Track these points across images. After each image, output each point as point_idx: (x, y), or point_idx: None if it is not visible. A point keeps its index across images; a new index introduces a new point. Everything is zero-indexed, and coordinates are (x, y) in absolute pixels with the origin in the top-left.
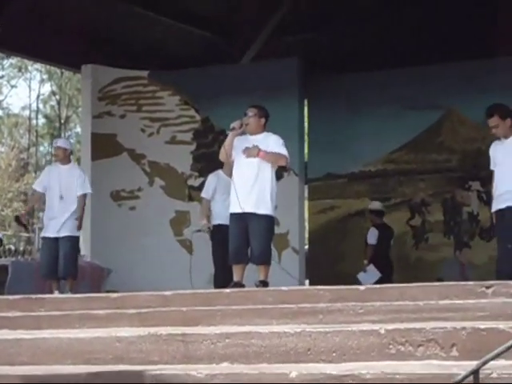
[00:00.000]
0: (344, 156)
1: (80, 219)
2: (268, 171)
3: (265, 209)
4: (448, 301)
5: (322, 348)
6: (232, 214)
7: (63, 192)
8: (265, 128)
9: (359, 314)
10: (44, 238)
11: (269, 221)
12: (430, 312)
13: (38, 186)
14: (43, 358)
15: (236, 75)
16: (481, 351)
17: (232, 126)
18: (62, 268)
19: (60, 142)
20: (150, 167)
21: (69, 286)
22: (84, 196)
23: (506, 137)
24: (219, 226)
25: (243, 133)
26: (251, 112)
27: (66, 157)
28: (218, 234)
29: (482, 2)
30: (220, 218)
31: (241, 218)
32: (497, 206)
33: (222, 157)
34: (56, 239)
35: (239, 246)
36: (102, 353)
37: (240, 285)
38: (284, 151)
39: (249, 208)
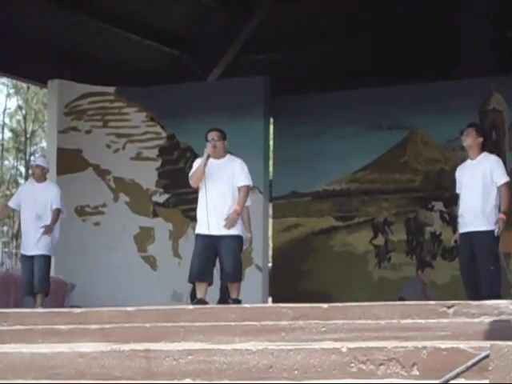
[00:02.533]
0: (308, 174)
1: (49, 227)
2: (237, 195)
3: (236, 229)
4: (410, 320)
5: (284, 366)
6: (200, 235)
7: (38, 210)
8: (226, 149)
9: (321, 332)
10: (22, 256)
11: (239, 241)
12: (392, 331)
13: (11, 203)
14: (5, 373)
15: (202, 93)
16: (441, 370)
17: (207, 152)
18: (38, 284)
19: (39, 161)
20: (115, 183)
21: (40, 301)
22: (57, 210)
23: (474, 157)
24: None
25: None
26: (216, 136)
27: (43, 175)
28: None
29: (445, 25)
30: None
31: (209, 239)
32: (466, 228)
33: (194, 183)
34: (32, 257)
35: (204, 265)
36: (64, 368)
37: (203, 302)
38: (248, 179)
39: (220, 230)
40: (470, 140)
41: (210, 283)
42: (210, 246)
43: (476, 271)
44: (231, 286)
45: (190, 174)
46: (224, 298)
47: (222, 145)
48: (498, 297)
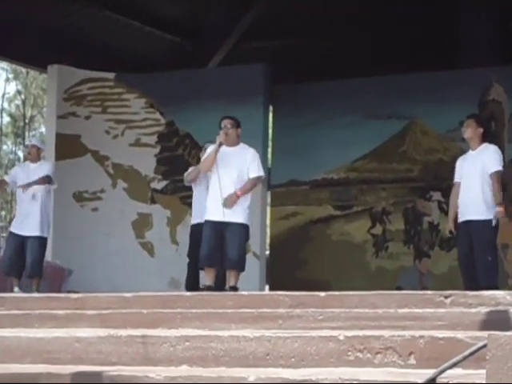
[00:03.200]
0: (307, 163)
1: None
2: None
3: (243, 218)
4: (407, 309)
5: (281, 353)
6: (208, 221)
7: (34, 190)
8: (239, 138)
9: (319, 320)
10: (10, 234)
11: (245, 229)
12: (389, 320)
13: (7, 177)
14: (2, 357)
15: (202, 80)
16: (438, 360)
17: (220, 140)
18: (30, 268)
19: (34, 141)
20: (113, 169)
21: (35, 285)
22: (47, 177)
23: (475, 147)
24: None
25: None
26: (229, 124)
27: (38, 155)
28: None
29: (446, 15)
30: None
31: (217, 226)
32: (464, 217)
33: (204, 169)
34: (22, 237)
35: (214, 250)
36: (61, 353)
37: (212, 288)
38: (260, 170)
39: (228, 217)
40: (470, 131)
41: (218, 269)
42: (218, 232)
43: (474, 261)
44: (230, 274)
45: (202, 159)
46: (220, 286)
47: (234, 132)
48: (496, 287)
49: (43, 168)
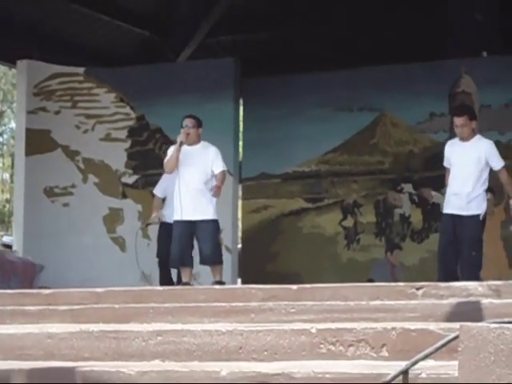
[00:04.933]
0: (278, 156)
1: None
2: (213, 181)
3: (212, 214)
4: (379, 301)
5: (254, 347)
6: (176, 221)
7: None
8: (200, 137)
9: (291, 313)
10: None
11: (215, 224)
12: (361, 312)
13: None
14: None
15: (172, 74)
16: (410, 352)
17: (180, 140)
18: None
19: None
20: (84, 164)
21: None
22: None
23: (467, 139)
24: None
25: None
26: (190, 123)
27: None
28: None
29: (416, 7)
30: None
31: (185, 225)
32: (452, 209)
33: (169, 170)
34: None
35: (185, 250)
36: (33, 349)
37: (189, 285)
38: (222, 165)
39: (196, 215)
40: (465, 131)
41: (188, 266)
42: (188, 232)
43: (456, 254)
44: (213, 269)
45: (165, 161)
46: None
47: (195, 132)
48: (479, 281)
49: None
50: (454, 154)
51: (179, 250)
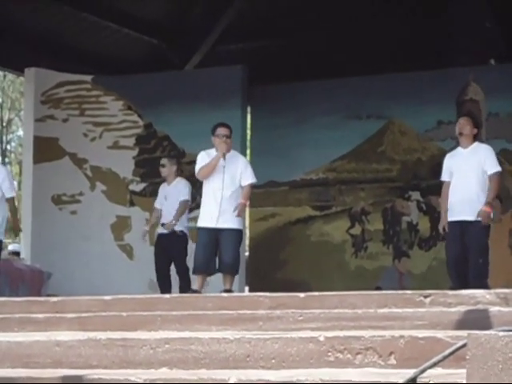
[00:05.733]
0: (286, 164)
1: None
2: (240, 190)
3: (237, 224)
4: (386, 309)
5: (261, 355)
6: (203, 228)
7: None
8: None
9: (299, 321)
10: None
11: (239, 234)
12: (369, 320)
13: None
14: None
15: (180, 82)
16: (418, 360)
17: (223, 151)
18: None
19: None
20: (91, 172)
21: None
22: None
23: (467, 145)
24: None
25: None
26: (229, 132)
27: None
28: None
29: (423, 15)
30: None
31: (212, 232)
32: (458, 216)
33: (202, 177)
34: None
35: (209, 257)
36: (41, 356)
37: (199, 293)
38: (252, 177)
39: (222, 224)
40: (468, 129)
41: (212, 274)
42: (212, 240)
43: (465, 262)
44: (225, 277)
45: (198, 167)
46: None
47: (231, 141)
48: (487, 288)
49: None
50: (455, 163)
51: (203, 256)
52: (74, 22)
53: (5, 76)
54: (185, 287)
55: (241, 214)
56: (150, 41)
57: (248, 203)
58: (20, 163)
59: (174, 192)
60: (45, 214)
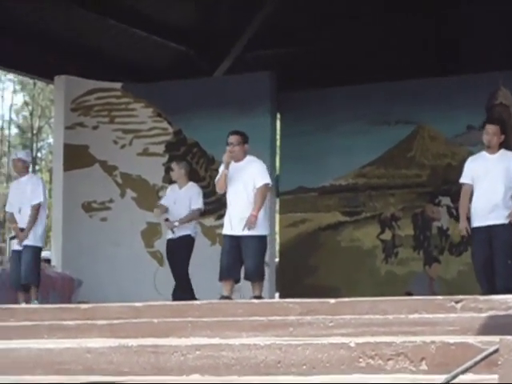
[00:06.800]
0: (315, 170)
1: (27, 230)
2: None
3: (258, 230)
4: (417, 315)
5: (292, 361)
6: (225, 235)
7: (21, 204)
8: (246, 152)
9: (329, 327)
10: (12, 251)
11: (261, 240)
12: (400, 326)
13: (7, 207)
14: (12, 368)
15: (209, 88)
16: (449, 365)
17: (226, 161)
18: (23, 276)
19: (20, 154)
20: (121, 179)
21: (33, 295)
22: (34, 206)
23: (493, 151)
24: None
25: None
26: (235, 141)
27: (23, 168)
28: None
29: (452, 18)
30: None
31: (233, 239)
32: (485, 221)
33: (219, 189)
34: (20, 251)
35: (232, 263)
36: (72, 363)
37: (229, 299)
38: (264, 178)
39: (241, 231)
40: (494, 141)
41: (238, 280)
42: (235, 245)
43: (493, 266)
44: (252, 284)
45: (216, 180)
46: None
47: (241, 149)
48: None
49: (28, 184)
50: (479, 168)
51: (227, 263)
52: (102, 30)
53: (35, 84)
54: (179, 292)
55: (251, 227)
56: (178, 48)
57: (276, 208)
58: (50, 171)
59: (184, 197)
60: (75, 221)
